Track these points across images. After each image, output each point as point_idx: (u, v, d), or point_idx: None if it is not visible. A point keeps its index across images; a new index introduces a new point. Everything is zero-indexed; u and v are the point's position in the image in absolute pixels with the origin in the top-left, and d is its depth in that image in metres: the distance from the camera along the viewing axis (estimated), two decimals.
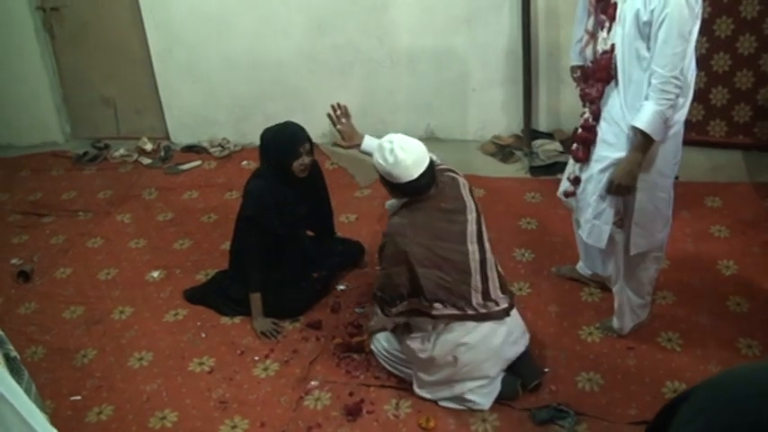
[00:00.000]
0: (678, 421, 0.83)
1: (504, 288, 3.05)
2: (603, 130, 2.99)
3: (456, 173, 3.09)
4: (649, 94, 2.76)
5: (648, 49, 2.76)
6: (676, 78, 2.72)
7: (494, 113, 5.18)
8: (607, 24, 2.89)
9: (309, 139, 3.56)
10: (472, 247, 2.95)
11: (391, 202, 3.12)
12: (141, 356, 3.56)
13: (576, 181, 3.20)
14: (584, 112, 3.07)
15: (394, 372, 3.26)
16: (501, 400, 3.07)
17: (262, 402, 3.23)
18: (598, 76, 2.95)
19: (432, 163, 2.95)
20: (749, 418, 0.76)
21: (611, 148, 2.96)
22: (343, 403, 3.16)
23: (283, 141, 3.51)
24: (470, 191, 3.08)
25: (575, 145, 3.16)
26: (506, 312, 3.03)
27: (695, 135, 4.56)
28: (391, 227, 2.96)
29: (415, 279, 2.89)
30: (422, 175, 2.89)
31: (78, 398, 3.35)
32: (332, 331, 3.59)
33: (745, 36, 4.39)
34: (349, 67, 5.21)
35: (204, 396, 3.29)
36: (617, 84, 2.90)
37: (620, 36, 2.82)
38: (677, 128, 2.94)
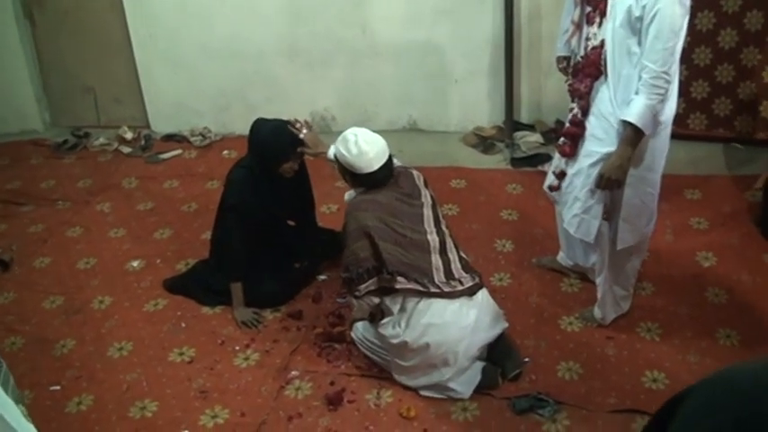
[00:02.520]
0: (683, 420, 0.82)
1: (466, 268, 3.12)
2: (593, 125, 3.00)
3: (419, 173, 3.31)
4: (639, 89, 2.77)
5: (639, 44, 2.77)
6: (666, 74, 2.74)
7: (476, 105, 5.18)
8: (597, 20, 2.90)
9: (302, 145, 3.52)
10: (429, 229, 3.11)
11: (350, 194, 3.28)
12: (121, 346, 3.54)
13: (561, 175, 3.21)
14: (573, 108, 3.08)
15: (375, 360, 3.26)
16: (481, 390, 3.09)
17: (242, 392, 3.22)
18: (587, 71, 2.96)
19: (391, 157, 3.17)
20: (761, 409, 0.75)
21: (600, 143, 2.97)
22: (324, 393, 3.17)
23: (278, 145, 3.47)
24: (425, 183, 3.26)
25: (562, 140, 3.17)
26: (472, 291, 3.06)
27: (675, 128, 4.52)
28: (351, 204, 3.15)
29: (377, 253, 2.98)
30: (381, 168, 3.10)
31: (58, 388, 3.33)
32: (313, 321, 3.59)
33: (726, 30, 4.41)
34: (331, 57, 5.19)
35: (184, 386, 3.28)
36: (606, 79, 2.91)
37: (611, 31, 2.83)
38: (666, 123, 2.96)
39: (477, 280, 3.12)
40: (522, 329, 3.40)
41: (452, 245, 3.16)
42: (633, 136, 2.83)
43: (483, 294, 3.13)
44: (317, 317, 3.62)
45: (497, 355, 3.16)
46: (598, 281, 3.32)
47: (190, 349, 3.48)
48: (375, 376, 3.24)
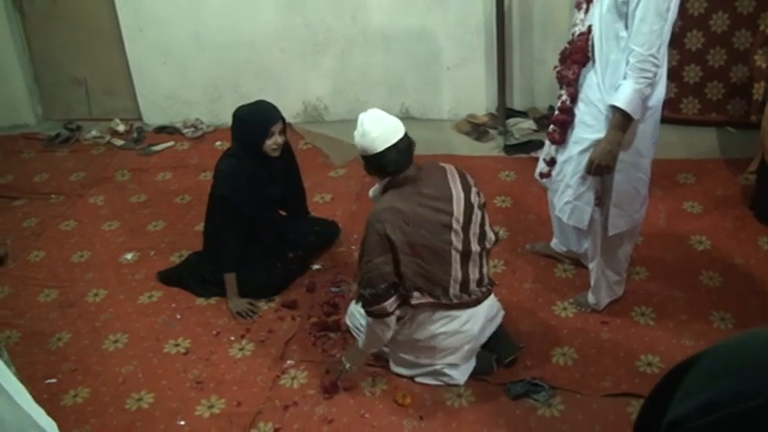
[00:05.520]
0: (690, 384, 0.81)
1: (481, 282, 3.01)
2: (582, 111, 2.99)
3: (452, 167, 3.02)
4: (627, 73, 2.76)
5: (626, 28, 2.76)
6: (654, 57, 2.72)
7: (468, 92, 5.17)
8: (584, 5, 2.90)
9: (283, 119, 3.55)
10: (456, 238, 2.88)
11: (374, 190, 3.10)
12: (116, 339, 3.54)
13: (551, 162, 3.20)
14: (562, 95, 3.06)
15: None
16: (476, 376, 3.10)
17: (238, 382, 3.23)
18: (575, 57, 2.95)
19: (404, 142, 2.90)
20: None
21: (589, 129, 2.96)
22: (319, 381, 3.17)
23: (256, 120, 3.50)
24: (463, 177, 2.98)
25: (552, 127, 3.16)
26: (478, 301, 3.02)
27: (668, 113, 4.57)
28: (371, 215, 2.88)
29: (397, 267, 2.84)
30: (390, 150, 2.86)
31: (54, 381, 3.33)
32: (307, 311, 3.59)
33: (717, 14, 4.41)
34: (322, 45, 5.18)
35: (180, 377, 3.28)
36: (594, 65, 2.90)
37: (598, 17, 2.82)
38: (655, 108, 2.95)
39: (486, 289, 3.05)
40: (517, 315, 3.41)
41: (477, 256, 2.97)
42: (622, 121, 2.82)
43: (488, 299, 3.10)
44: (311, 306, 3.62)
45: (492, 341, 3.16)
46: (591, 266, 3.32)
47: (185, 341, 3.48)
48: (370, 364, 3.24)
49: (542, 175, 3.29)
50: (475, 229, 2.94)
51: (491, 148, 4.87)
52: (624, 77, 2.77)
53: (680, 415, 0.76)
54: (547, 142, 3.25)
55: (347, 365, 3.13)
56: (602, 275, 3.31)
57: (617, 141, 2.86)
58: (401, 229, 2.81)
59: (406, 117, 5.27)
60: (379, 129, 2.87)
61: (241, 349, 3.41)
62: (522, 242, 3.89)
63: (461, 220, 2.89)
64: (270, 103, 3.57)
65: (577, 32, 2.93)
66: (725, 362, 0.79)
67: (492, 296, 3.14)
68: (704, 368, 0.80)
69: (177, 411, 3.11)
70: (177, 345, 3.47)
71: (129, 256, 4.13)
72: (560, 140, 3.11)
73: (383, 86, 5.24)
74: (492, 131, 5.02)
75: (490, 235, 3.03)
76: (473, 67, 5.08)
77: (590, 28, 2.86)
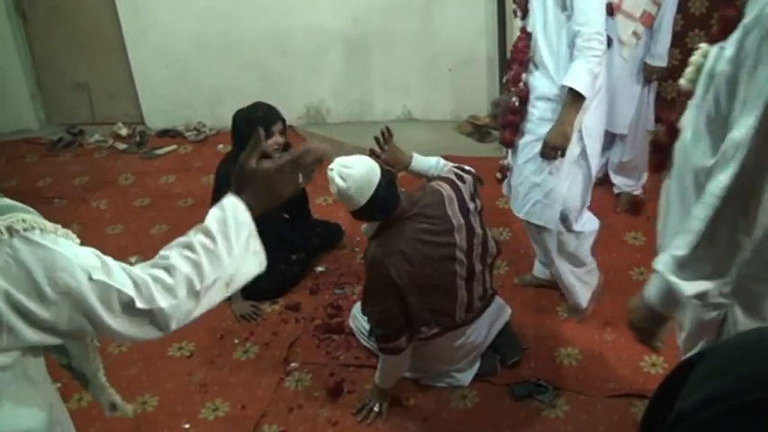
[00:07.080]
0: (695, 381, 0.83)
1: (483, 296, 2.99)
2: (540, 108, 3.00)
3: (452, 181, 2.87)
4: (576, 54, 2.79)
5: (569, 19, 2.80)
6: (599, 33, 2.76)
7: (470, 93, 5.18)
8: (519, 13, 3.00)
9: (282, 119, 3.56)
10: (460, 267, 2.82)
11: (366, 228, 2.93)
12: (120, 342, 3.54)
13: (506, 168, 3.21)
14: (511, 96, 3.08)
15: (375, 350, 3.25)
16: (480, 377, 3.10)
17: (242, 385, 3.23)
18: (517, 58, 3.01)
19: (384, 182, 2.69)
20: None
21: (549, 123, 2.95)
22: (323, 384, 3.17)
23: (256, 121, 3.50)
24: (462, 203, 2.82)
25: (502, 130, 3.18)
26: (480, 314, 3.02)
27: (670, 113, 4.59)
28: (373, 258, 2.76)
29: (406, 308, 2.77)
30: (373, 199, 2.68)
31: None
32: (311, 313, 3.60)
33: (719, 12, 4.41)
34: (324, 48, 5.19)
35: (185, 380, 3.29)
36: (538, 67, 2.94)
37: (542, 14, 2.87)
38: (600, 94, 2.99)
39: (487, 300, 3.04)
40: (521, 317, 3.40)
41: (480, 273, 2.91)
42: (574, 100, 2.83)
43: (490, 307, 3.09)
44: (315, 308, 3.63)
45: (497, 342, 3.16)
46: (553, 272, 3.31)
47: (189, 344, 3.49)
48: (374, 366, 3.21)
49: (502, 177, 3.29)
50: (477, 250, 2.87)
51: (493, 149, 4.88)
52: (573, 59, 2.80)
53: (685, 408, 0.78)
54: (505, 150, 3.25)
55: (376, 406, 3.01)
56: (568, 274, 3.28)
57: (570, 121, 2.87)
58: (408, 273, 2.71)
59: (408, 119, 5.30)
60: (354, 182, 2.65)
61: (245, 352, 3.41)
62: (524, 243, 3.87)
63: (465, 247, 2.81)
64: (268, 105, 3.60)
65: (516, 37, 3.00)
66: (728, 358, 0.81)
67: (497, 299, 3.14)
68: (708, 364, 0.81)
69: (182, 415, 3.11)
70: (181, 348, 3.47)
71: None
72: (510, 141, 3.11)
73: (385, 88, 5.25)
74: (494, 132, 5.02)
75: (492, 250, 2.96)
76: (474, 69, 5.09)
77: (524, 29, 2.95)
